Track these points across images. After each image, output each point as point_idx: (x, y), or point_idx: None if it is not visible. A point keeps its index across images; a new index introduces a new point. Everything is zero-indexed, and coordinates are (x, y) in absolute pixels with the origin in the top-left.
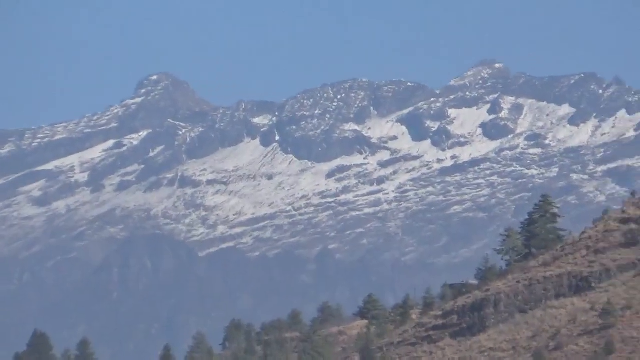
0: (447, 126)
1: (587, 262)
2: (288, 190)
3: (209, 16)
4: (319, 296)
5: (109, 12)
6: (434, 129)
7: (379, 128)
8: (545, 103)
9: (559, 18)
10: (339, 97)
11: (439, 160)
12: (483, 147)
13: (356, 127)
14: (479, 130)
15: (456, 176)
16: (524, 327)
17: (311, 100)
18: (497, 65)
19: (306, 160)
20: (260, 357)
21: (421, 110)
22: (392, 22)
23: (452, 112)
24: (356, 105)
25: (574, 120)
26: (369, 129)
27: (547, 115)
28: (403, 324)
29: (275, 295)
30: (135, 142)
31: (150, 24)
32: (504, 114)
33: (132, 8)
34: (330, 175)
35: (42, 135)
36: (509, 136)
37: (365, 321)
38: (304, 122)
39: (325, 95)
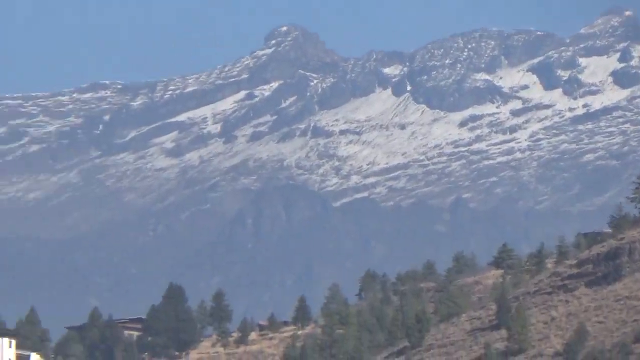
0: (577, 75)
1: None
2: (420, 139)
3: None
4: (453, 246)
5: None
6: (564, 78)
7: (510, 77)
8: None
9: None
10: (469, 46)
11: (571, 109)
12: (614, 95)
13: (487, 77)
14: (610, 79)
15: (588, 124)
16: None
17: (441, 50)
18: (626, 13)
19: (438, 110)
20: (397, 307)
21: (552, 59)
22: None
23: (582, 61)
24: (486, 55)
25: None
26: (500, 78)
27: None
28: (538, 273)
29: (409, 245)
30: (266, 93)
31: None
32: (634, 62)
33: None
34: (462, 124)
35: (173, 87)
36: None
37: (500, 271)
38: (434, 72)
39: (455, 45)
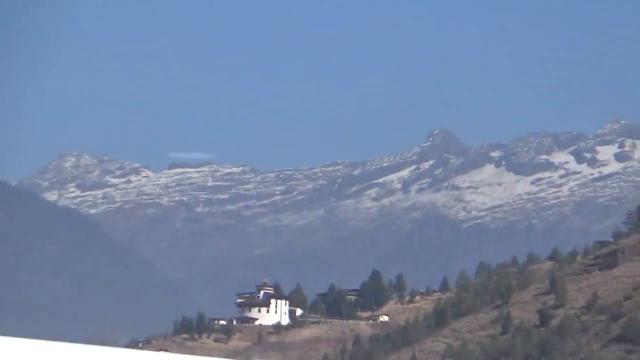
0: (595, 155)
1: None
2: None
3: None
4: None
5: None
6: (589, 157)
7: (559, 157)
8: None
9: None
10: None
11: (592, 174)
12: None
13: (546, 157)
14: (613, 158)
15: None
16: None
17: None
18: (622, 122)
19: None
20: None
21: (579, 148)
22: None
23: (598, 148)
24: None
25: None
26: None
27: None
28: (574, 262)
29: None
30: None
31: None
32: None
33: None
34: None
35: None
36: None
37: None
38: None
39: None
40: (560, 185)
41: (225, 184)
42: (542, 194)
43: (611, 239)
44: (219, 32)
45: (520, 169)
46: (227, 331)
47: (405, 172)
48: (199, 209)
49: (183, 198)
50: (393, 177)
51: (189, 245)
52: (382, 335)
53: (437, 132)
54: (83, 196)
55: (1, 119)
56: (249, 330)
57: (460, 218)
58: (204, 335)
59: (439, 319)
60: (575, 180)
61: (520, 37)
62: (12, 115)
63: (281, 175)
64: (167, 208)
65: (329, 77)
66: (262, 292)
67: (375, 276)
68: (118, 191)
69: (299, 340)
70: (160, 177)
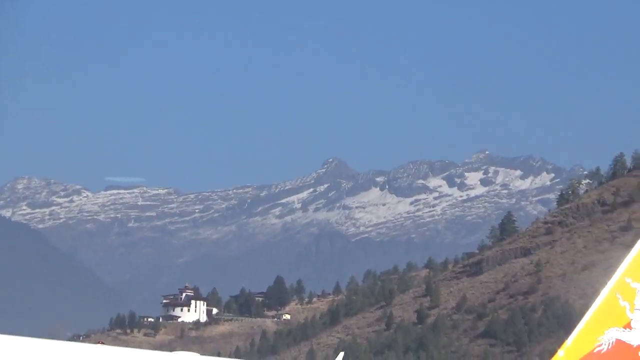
0: (464, 180)
1: None
2: None
3: None
4: None
5: None
6: (458, 182)
7: (434, 182)
8: None
9: None
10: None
11: (461, 196)
12: (481, 190)
13: (423, 181)
14: (479, 182)
15: (468, 203)
16: None
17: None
18: (486, 152)
19: None
20: None
21: (452, 173)
22: None
23: (467, 175)
24: (423, 171)
25: None
26: (429, 182)
27: None
28: (446, 270)
29: None
30: None
31: None
32: (490, 175)
33: None
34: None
35: None
36: None
37: (428, 269)
38: None
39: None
40: (434, 206)
41: (153, 203)
42: (419, 213)
43: (477, 251)
44: (149, 63)
45: (400, 191)
46: (155, 327)
47: (304, 194)
48: (130, 224)
49: (117, 215)
50: (294, 198)
51: (123, 254)
52: (285, 331)
53: (331, 160)
54: (33, 213)
55: None
56: (173, 326)
57: (350, 233)
58: (135, 330)
59: (333, 317)
60: (447, 201)
61: (402, 74)
62: None
63: (200, 196)
64: (104, 223)
65: (238, 114)
66: (184, 294)
67: (279, 281)
68: (62, 209)
69: (215, 335)
70: (98, 198)
